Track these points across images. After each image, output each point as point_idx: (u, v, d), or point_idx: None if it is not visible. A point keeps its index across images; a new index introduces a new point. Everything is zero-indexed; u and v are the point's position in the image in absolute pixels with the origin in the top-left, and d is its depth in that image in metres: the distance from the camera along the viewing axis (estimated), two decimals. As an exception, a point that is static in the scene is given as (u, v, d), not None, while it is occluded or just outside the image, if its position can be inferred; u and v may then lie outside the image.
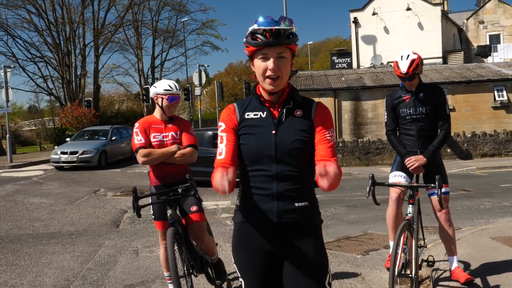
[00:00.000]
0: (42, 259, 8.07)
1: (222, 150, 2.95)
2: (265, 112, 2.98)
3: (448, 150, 22.83)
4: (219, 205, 12.75)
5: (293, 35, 2.85)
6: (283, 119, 2.94)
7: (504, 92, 26.31)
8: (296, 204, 2.92)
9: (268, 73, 2.84)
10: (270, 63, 2.83)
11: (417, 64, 5.76)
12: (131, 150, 24.42)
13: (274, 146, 2.88)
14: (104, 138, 25.20)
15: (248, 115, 2.99)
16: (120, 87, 63.95)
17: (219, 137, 3.02)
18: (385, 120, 6.19)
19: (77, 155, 22.80)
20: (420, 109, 5.86)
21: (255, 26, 2.82)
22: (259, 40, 2.80)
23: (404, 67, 5.77)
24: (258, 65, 2.88)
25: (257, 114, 2.98)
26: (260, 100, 3.00)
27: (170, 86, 5.61)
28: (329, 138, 2.95)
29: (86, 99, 40.93)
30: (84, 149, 23.16)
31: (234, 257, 3.05)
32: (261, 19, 2.83)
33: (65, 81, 47.72)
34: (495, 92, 26.38)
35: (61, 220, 11.38)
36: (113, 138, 25.15)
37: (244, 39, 2.90)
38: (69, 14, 48.02)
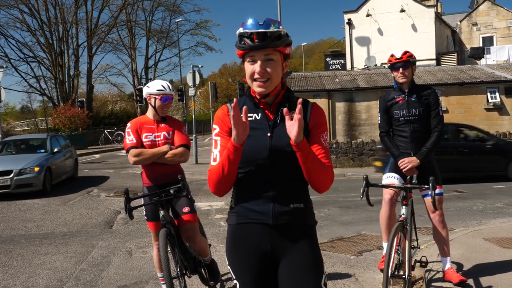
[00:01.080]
0: (35, 259, 8.05)
1: (217, 155, 2.92)
2: (259, 114, 2.94)
3: (441, 151, 22.87)
4: (213, 206, 12.74)
5: (281, 37, 2.81)
6: (278, 122, 2.91)
7: (497, 94, 26.38)
8: (291, 206, 2.90)
9: (256, 76, 2.82)
10: (256, 66, 2.81)
11: (410, 55, 5.92)
12: (73, 165, 19.48)
13: (269, 148, 2.86)
14: (42, 150, 17.61)
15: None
16: (113, 87, 64.02)
17: (213, 141, 2.98)
18: (379, 122, 6.21)
19: (11, 176, 15.19)
20: (413, 111, 5.88)
21: (241, 30, 2.80)
22: (246, 43, 2.78)
23: (398, 53, 5.94)
24: (247, 68, 2.86)
25: (251, 116, 2.93)
26: (255, 102, 2.96)
27: (163, 86, 5.60)
28: (323, 142, 2.95)
29: (79, 99, 40.97)
30: (21, 166, 15.53)
31: (228, 258, 3.02)
32: (249, 21, 2.80)
33: (58, 81, 47.68)
34: (488, 94, 26.45)
35: (54, 221, 11.35)
36: (55, 150, 17.65)
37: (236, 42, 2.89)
38: (62, 14, 48.00)
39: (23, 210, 12.89)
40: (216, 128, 2.99)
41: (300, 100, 2.68)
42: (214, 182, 2.88)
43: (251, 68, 2.83)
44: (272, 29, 2.76)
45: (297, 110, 2.64)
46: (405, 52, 5.91)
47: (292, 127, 2.68)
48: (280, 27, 2.80)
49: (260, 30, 2.75)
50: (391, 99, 6.04)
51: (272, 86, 2.87)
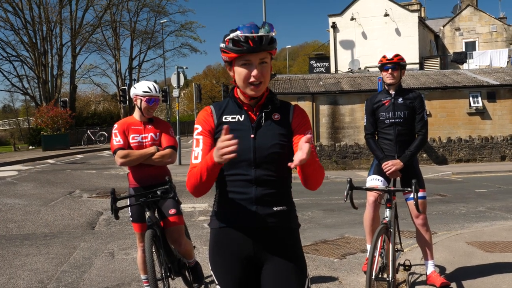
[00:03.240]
0: (16, 261, 7.96)
1: (198, 154, 2.90)
2: (243, 116, 2.93)
3: (424, 155, 23.01)
4: (196, 207, 12.69)
5: (273, 40, 2.82)
6: (262, 123, 2.92)
7: (479, 99, 26.62)
8: (275, 209, 2.90)
9: (252, 79, 2.80)
10: (254, 70, 2.80)
11: (401, 58, 5.98)
12: None
13: (253, 150, 2.85)
14: None
15: (225, 118, 2.94)
16: (97, 87, 63.79)
17: (194, 140, 2.96)
18: (364, 124, 6.24)
19: None
20: (399, 113, 5.92)
21: (238, 33, 2.76)
22: (242, 47, 2.75)
23: (390, 55, 5.99)
24: (240, 71, 2.83)
25: (234, 118, 2.93)
26: (238, 103, 2.96)
27: (150, 88, 5.55)
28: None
29: (62, 99, 40.70)
30: None
31: (211, 264, 3.01)
32: (242, 25, 2.78)
33: (41, 80, 47.37)
34: (471, 98, 26.68)
35: (36, 222, 11.24)
36: None
37: (223, 45, 2.84)
38: (46, 13, 47.73)
39: (3, 210, 12.74)
40: (198, 128, 2.98)
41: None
42: (191, 185, 2.86)
43: (246, 71, 2.81)
44: (265, 32, 2.76)
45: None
46: (397, 55, 5.97)
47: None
48: (273, 29, 2.80)
49: (258, 34, 2.73)
50: (378, 101, 6.07)
51: (263, 89, 2.88)
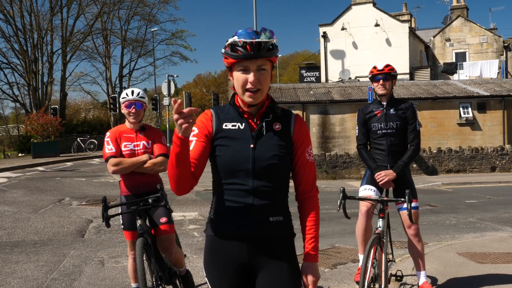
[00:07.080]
0: (5, 268, 7.90)
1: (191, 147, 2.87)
2: (243, 124, 2.89)
3: (414, 165, 23.05)
4: (186, 216, 12.64)
5: (274, 47, 2.79)
6: (263, 133, 2.88)
7: (470, 109, 26.76)
8: (271, 219, 2.88)
9: (248, 86, 2.77)
10: (250, 76, 2.75)
11: (392, 68, 5.99)
12: None
13: (252, 160, 2.82)
14: None
15: (226, 125, 2.90)
16: (87, 95, 63.60)
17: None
18: (356, 134, 6.24)
19: None
20: (391, 124, 5.92)
21: (235, 38, 2.74)
22: (239, 52, 2.72)
23: (380, 65, 5.99)
24: (238, 77, 2.80)
25: (235, 125, 2.89)
26: (239, 111, 2.91)
27: (127, 94, 5.59)
28: (308, 158, 2.96)
29: (52, 106, 40.51)
30: None
31: (206, 272, 2.98)
32: (241, 30, 2.75)
33: (31, 88, 47.21)
34: (461, 109, 26.82)
35: (25, 229, 11.16)
36: None
37: (223, 50, 2.82)
38: (38, 21, 47.61)
39: (-7, 217, 12.66)
40: (194, 130, 2.93)
41: None
42: (169, 177, 2.82)
43: (243, 77, 2.78)
44: (265, 38, 2.73)
45: None
46: (387, 65, 5.97)
47: None
48: (274, 36, 2.77)
49: (255, 40, 2.71)
50: (370, 111, 6.08)
51: (262, 97, 2.84)
